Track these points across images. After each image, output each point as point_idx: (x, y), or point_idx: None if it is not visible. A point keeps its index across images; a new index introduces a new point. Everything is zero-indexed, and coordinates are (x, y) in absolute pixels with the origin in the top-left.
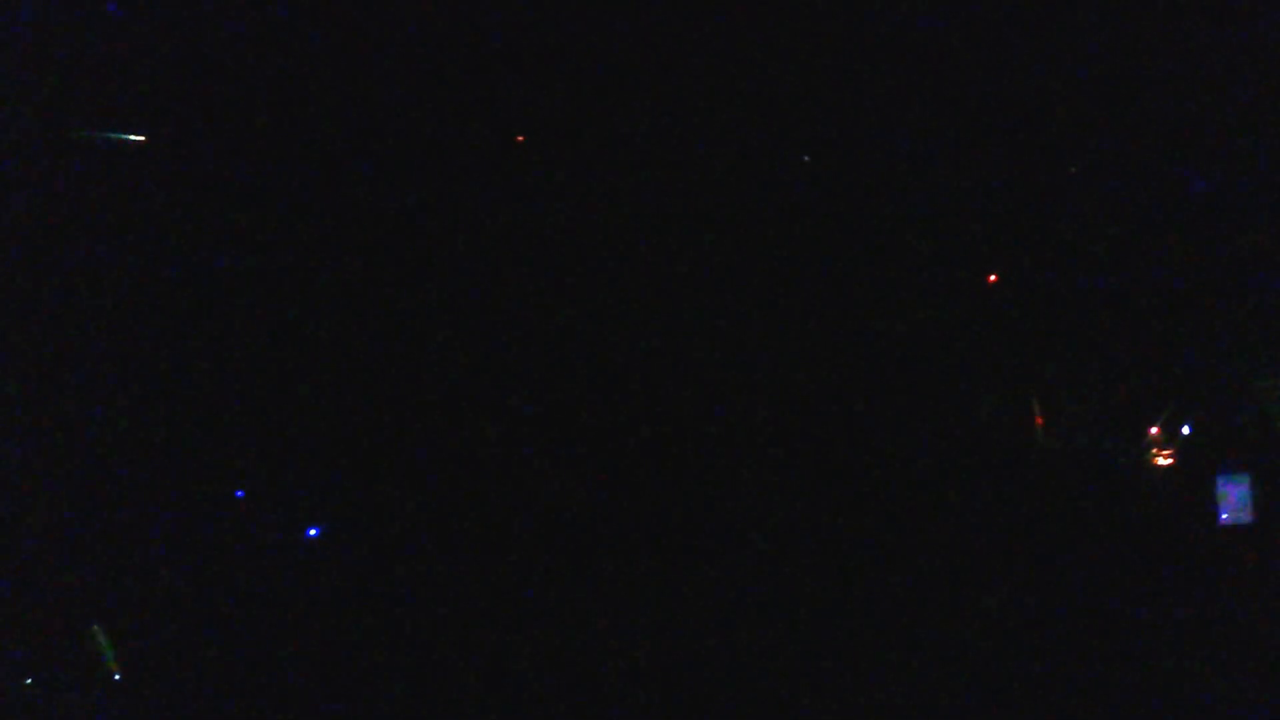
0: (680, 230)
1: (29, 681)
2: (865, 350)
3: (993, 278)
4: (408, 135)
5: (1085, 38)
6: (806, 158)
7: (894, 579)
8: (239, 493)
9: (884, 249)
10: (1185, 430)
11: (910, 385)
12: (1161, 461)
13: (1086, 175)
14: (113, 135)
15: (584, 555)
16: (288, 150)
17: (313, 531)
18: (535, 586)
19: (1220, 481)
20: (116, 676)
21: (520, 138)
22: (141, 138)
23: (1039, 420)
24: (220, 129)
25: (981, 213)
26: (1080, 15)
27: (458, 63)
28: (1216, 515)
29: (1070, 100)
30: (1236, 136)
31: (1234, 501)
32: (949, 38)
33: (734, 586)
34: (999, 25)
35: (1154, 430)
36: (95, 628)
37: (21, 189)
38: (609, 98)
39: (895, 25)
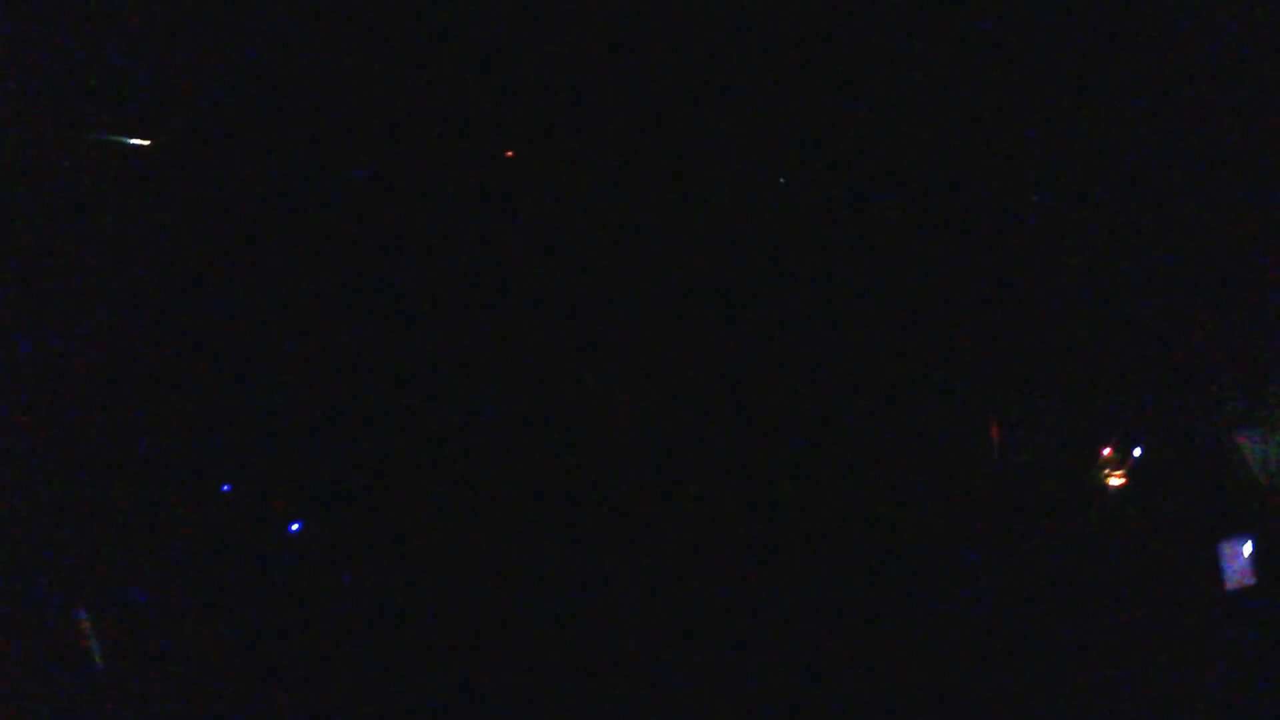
0: (657, 245)
1: (16, 668)
2: (828, 368)
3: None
4: (402, 147)
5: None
6: (782, 179)
7: (852, 585)
8: (225, 487)
9: (848, 272)
10: (1137, 452)
11: (871, 403)
12: (1114, 481)
13: (1048, 204)
14: (118, 139)
15: (564, 551)
16: (280, 159)
17: (295, 526)
18: (513, 582)
19: (1222, 547)
20: (99, 663)
21: (509, 153)
22: (146, 141)
23: (995, 436)
24: (219, 136)
25: (943, 237)
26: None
27: (452, 78)
28: (1221, 582)
29: (1030, 131)
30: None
31: (1238, 566)
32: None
33: (692, 589)
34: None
35: (1107, 451)
36: (81, 616)
37: (29, 188)
38: (594, 117)
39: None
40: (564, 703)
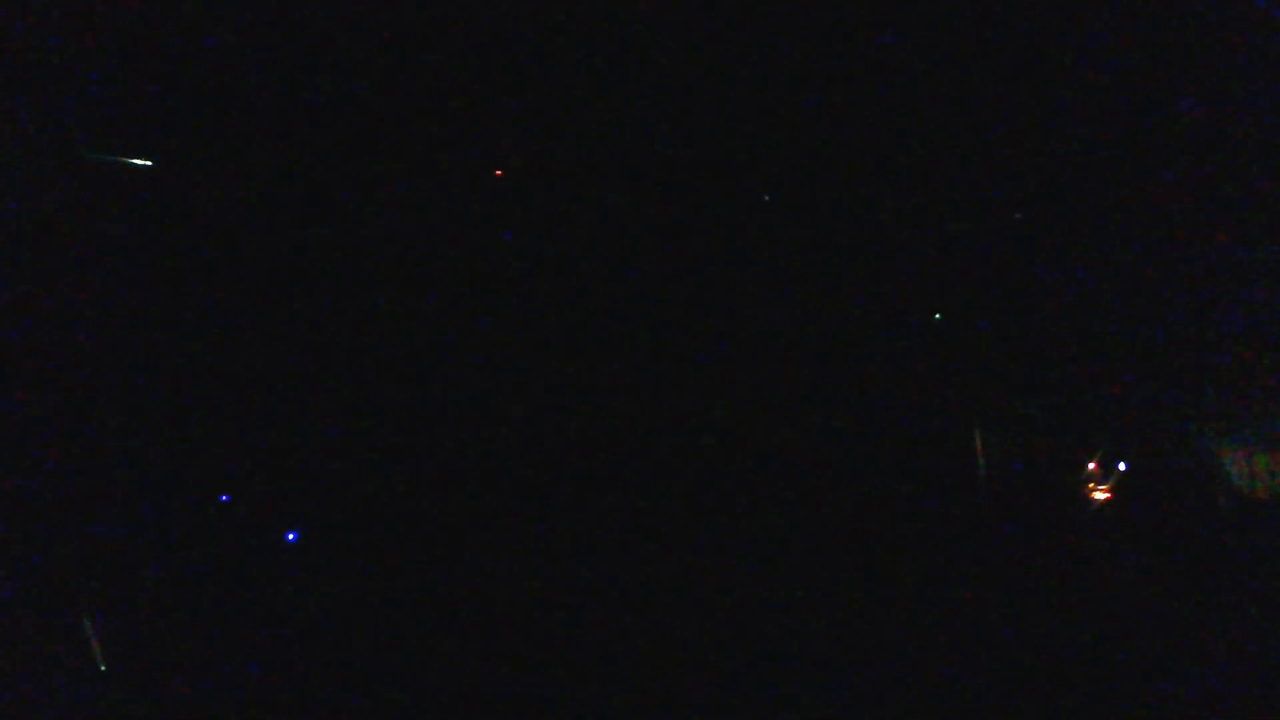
0: (638, 258)
1: (20, 671)
2: (809, 380)
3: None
4: (395, 169)
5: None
6: (766, 197)
7: (832, 597)
8: (224, 497)
9: (832, 281)
10: (1122, 467)
11: (858, 418)
12: (1098, 496)
13: (1033, 221)
14: (122, 159)
15: (557, 557)
16: (281, 181)
17: (291, 535)
18: (512, 588)
19: None
20: (103, 668)
21: (499, 172)
22: (148, 162)
23: (980, 453)
24: (218, 159)
25: (929, 253)
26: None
27: (441, 102)
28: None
29: (1016, 144)
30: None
31: None
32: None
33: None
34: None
35: (1091, 465)
36: (85, 621)
37: (33, 206)
38: (577, 141)
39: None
40: (563, 705)
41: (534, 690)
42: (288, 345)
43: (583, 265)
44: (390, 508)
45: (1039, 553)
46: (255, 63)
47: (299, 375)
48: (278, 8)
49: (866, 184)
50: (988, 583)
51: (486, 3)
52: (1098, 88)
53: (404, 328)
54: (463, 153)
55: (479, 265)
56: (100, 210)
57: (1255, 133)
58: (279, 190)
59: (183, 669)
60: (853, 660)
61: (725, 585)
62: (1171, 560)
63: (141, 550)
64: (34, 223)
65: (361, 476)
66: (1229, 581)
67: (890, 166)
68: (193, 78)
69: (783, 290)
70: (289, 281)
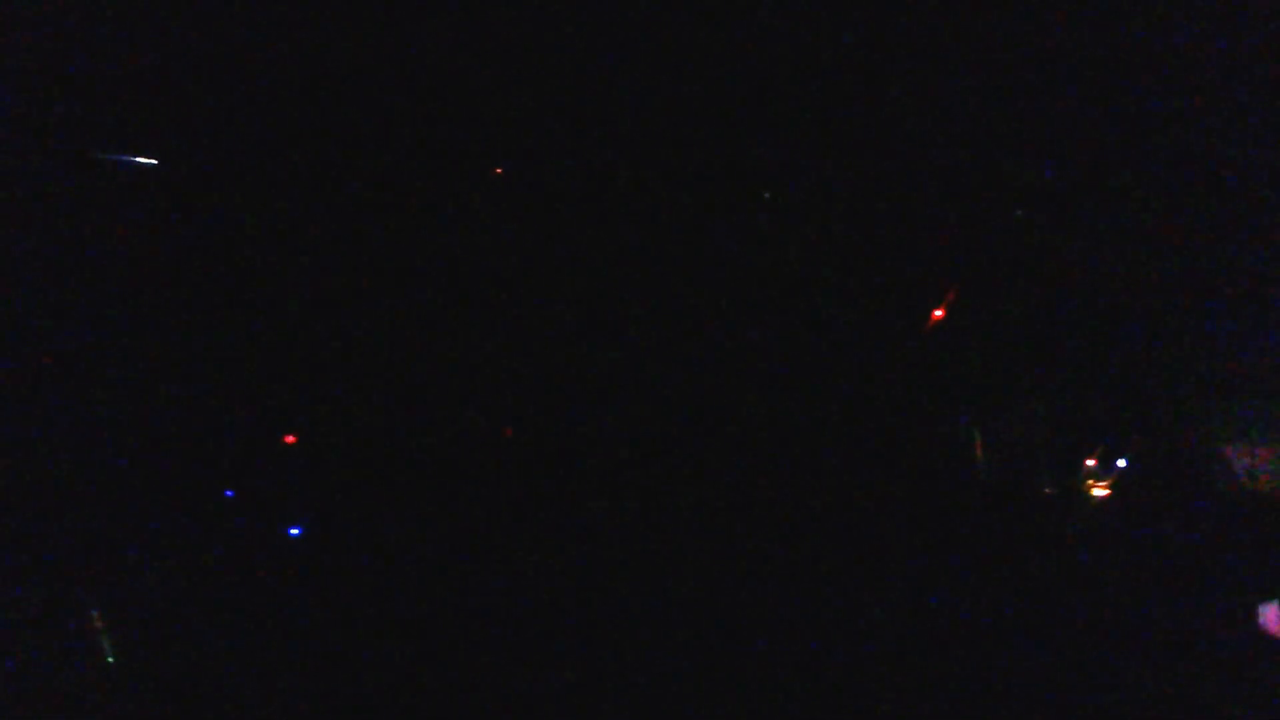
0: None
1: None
2: (812, 379)
3: (938, 313)
4: (397, 166)
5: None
6: (767, 194)
7: (828, 597)
8: (229, 493)
9: (834, 279)
10: (1121, 463)
11: (856, 415)
12: (1098, 492)
13: (1032, 214)
14: (126, 158)
15: (565, 557)
16: (288, 180)
17: (295, 530)
18: (513, 587)
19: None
20: (110, 660)
21: (498, 169)
22: (153, 160)
23: (979, 449)
24: (222, 157)
25: (927, 248)
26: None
27: (442, 101)
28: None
29: (1011, 144)
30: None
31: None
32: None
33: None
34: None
35: (1090, 461)
36: (93, 614)
37: (35, 206)
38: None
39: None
40: (564, 706)
41: (536, 690)
42: (290, 342)
43: (582, 264)
44: (394, 504)
45: (1038, 550)
46: (256, 61)
47: (301, 372)
48: (278, 7)
49: (865, 182)
50: (986, 580)
51: (485, 2)
52: (1096, 85)
53: (405, 325)
54: (462, 151)
55: (478, 264)
56: (102, 209)
57: (1255, 131)
58: (280, 188)
59: (187, 662)
60: (851, 660)
61: (722, 584)
62: (1172, 558)
63: (147, 545)
64: (34, 222)
65: (364, 472)
66: (1229, 580)
67: (890, 164)
68: (194, 76)
69: (781, 288)
70: (291, 278)
